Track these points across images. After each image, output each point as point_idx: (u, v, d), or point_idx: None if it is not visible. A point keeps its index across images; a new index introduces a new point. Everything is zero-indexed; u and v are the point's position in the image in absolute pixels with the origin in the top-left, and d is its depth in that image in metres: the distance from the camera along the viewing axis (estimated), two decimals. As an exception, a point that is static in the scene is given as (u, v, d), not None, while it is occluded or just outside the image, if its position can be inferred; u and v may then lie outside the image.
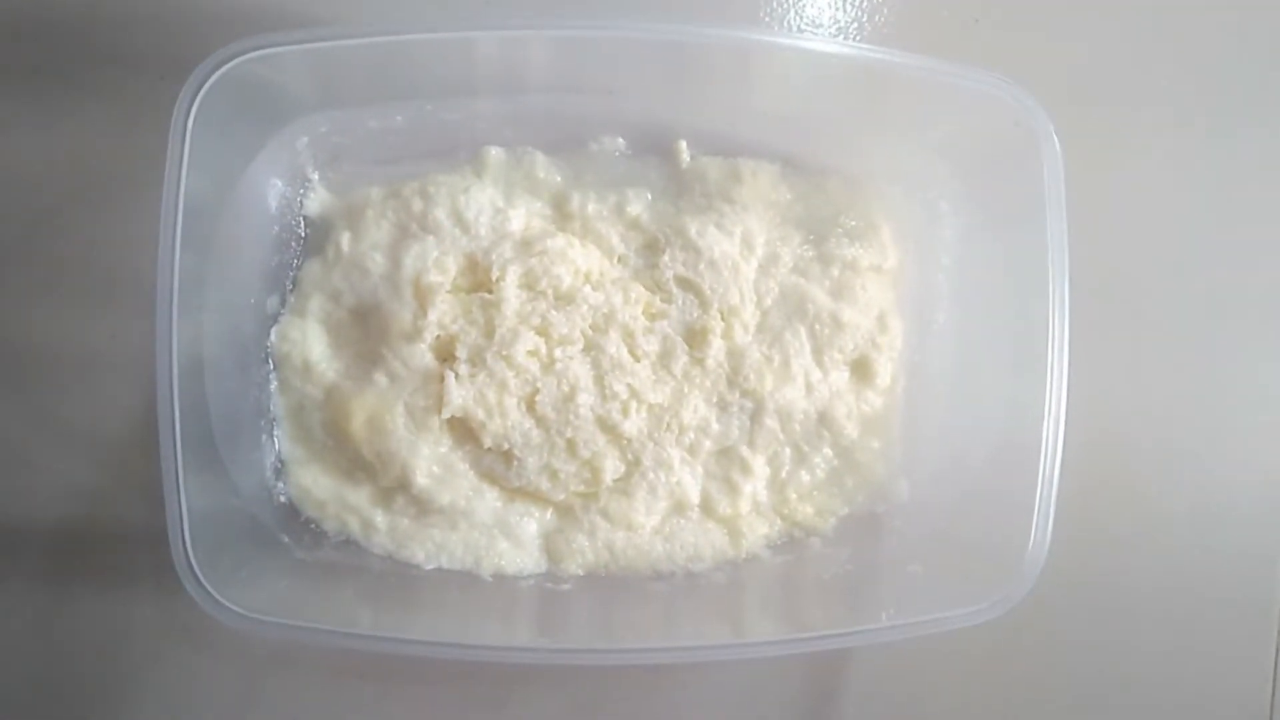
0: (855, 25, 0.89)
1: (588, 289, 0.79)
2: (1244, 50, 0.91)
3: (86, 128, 0.82)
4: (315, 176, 0.81)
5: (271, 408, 0.80)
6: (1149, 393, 0.90)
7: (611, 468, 0.80)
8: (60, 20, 0.82)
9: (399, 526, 0.80)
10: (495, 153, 0.81)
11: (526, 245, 0.79)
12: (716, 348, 0.80)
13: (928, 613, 0.73)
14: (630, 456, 0.80)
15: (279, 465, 0.81)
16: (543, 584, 0.81)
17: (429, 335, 0.78)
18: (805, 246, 0.83)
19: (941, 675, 0.89)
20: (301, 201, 0.81)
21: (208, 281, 0.71)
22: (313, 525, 0.81)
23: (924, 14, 0.89)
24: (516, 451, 0.78)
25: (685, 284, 0.81)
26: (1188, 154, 0.91)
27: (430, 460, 0.79)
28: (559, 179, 0.82)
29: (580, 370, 0.79)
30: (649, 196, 0.82)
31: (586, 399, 0.79)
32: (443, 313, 0.78)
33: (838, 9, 0.89)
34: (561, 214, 0.81)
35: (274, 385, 0.80)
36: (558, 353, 0.78)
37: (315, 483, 0.80)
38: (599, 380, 0.79)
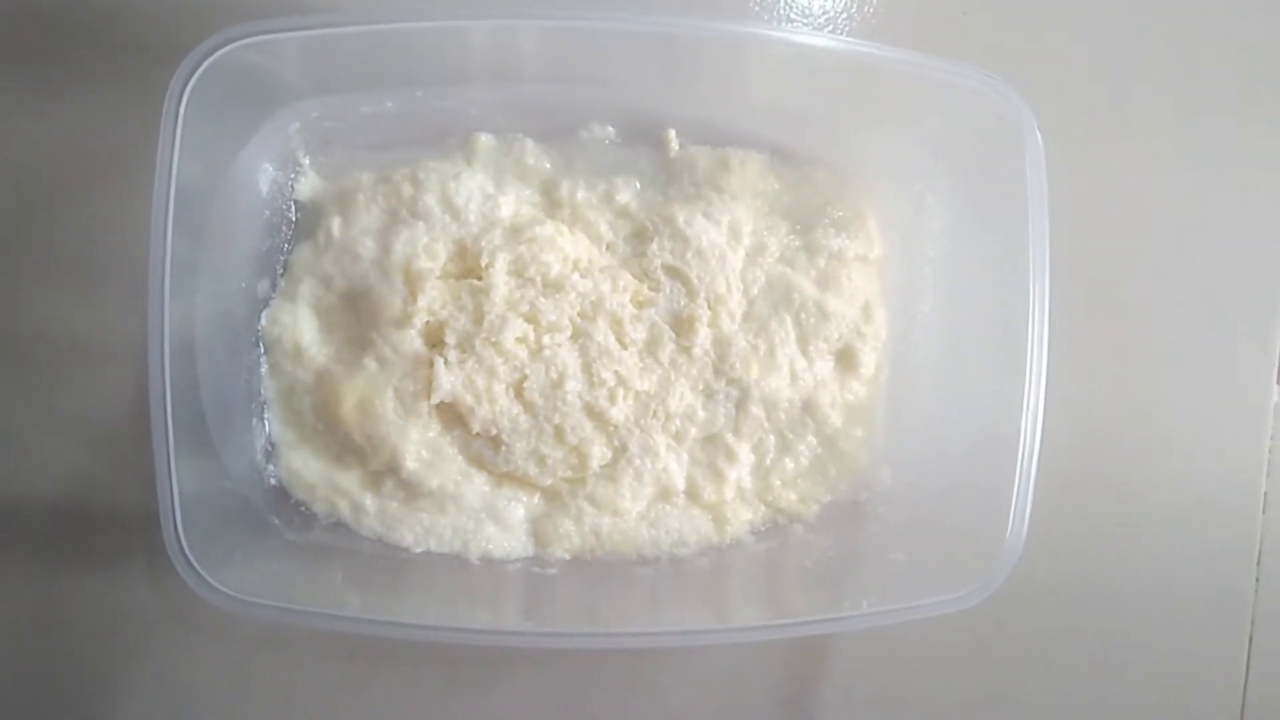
0: (845, 16, 0.89)
1: (576, 276, 0.80)
2: (1231, 48, 0.92)
3: (78, 113, 0.82)
4: (306, 161, 0.81)
5: (262, 391, 0.81)
6: (1130, 386, 0.91)
7: (598, 454, 0.80)
8: (51, 5, 0.82)
9: (388, 510, 0.81)
10: (486, 139, 0.81)
11: (516, 232, 0.79)
12: (703, 336, 0.81)
13: (909, 599, 0.73)
14: (617, 443, 0.81)
15: (269, 448, 0.81)
16: (529, 568, 0.82)
17: (418, 321, 0.78)
18: (792, 236, 0.83)
19: (922, 661, 0.90)
20: (293, 186, 0.81)
21: (199, 266, 0.71)
22: (303, 508, 0.81)
23: (915, 6, 0.90)
24: (505, 437, 0.79)
25: (673, 272, 0.81)
26: (1172, 149, 0.91)
27: (419, 445, 0.79)
28: (549, 166, 0.82)
29: (568, 357, 0.79)
30: (638, 185, 0.82)
31: (574, 386, 0.79)
32: (432, 299, 0.78)
33: (827, 1, 0.89)
34: (551, 201, 0.82)
35: (264, 369, 0.81)
36: (546, 339, 0.79)
37: (305, 466, 0.81)
38: (586, 367, 0.80)
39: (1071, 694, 0.92)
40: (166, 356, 0.66)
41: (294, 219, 0.82)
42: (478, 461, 0.81)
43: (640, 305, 0.81)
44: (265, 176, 0.79)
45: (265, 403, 0.81)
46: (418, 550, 0.81)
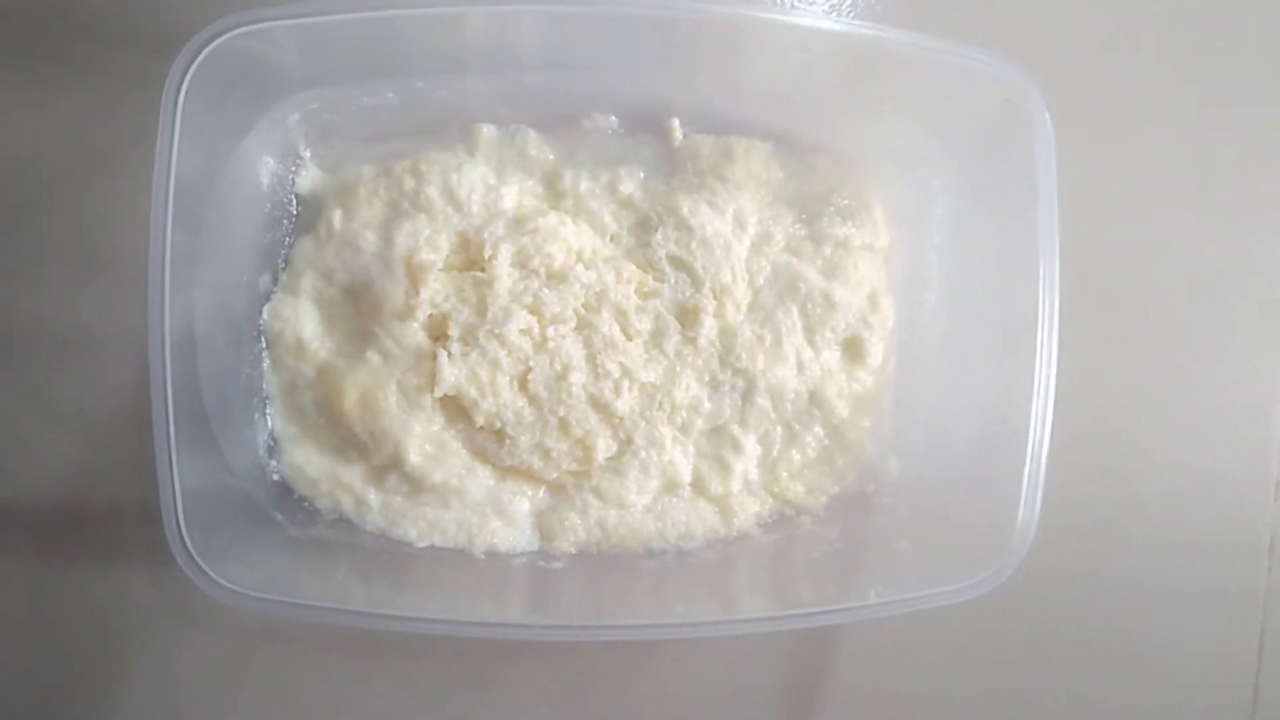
0: (850, 1, 0.88)
1: (580, 267, 0.79)
2: (1240, 33, 0.91)
3: (76, 104, 0.82)
4: (307, 154, 0.81)
5: (264, 386, 0.80)
6: (1137, 375, 0.90)
7: (604, 446, 0.80)
8: (48, -3, 0.82)
9: (392, 504, 0.81)
10: (487, 130, 0.81)
11: (519, 223, 0.79)
12: (709, 326, 0.80)
13: (916, 590, 0.73)
14: (622, 435, 0.80)
15: (272, 443, 0.81)
16: (535, 562, 0.81)
17: (421, 314, 0.78)
18: (797, 225, 0.83)
19: (929, 652, 0.90)
20: (293, 179, 0.81)
21: (199, 259, 0.70)
22: (305, 503, 0.81)
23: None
24: (509, 430, 0.79)
25: (677, 263, 0.81)
26: (1182, 135, 0.91)
27: (423, 439, 0.79)
28: (551, 157, 0.82)
29: (573, 349, 0.79)
30: (641, 175, 0.82)
31: (579, 378, 0.79)
32: (435, 291, 0.78)
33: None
34: (554, 192, 0.81)
35: (266, 363, 0.80)
36: (550, 331, 0.78)
37: (308, 460, 0.80)
38: (591, 359, 0.79)
39: (1081, 685, 0.91)
40: (167, 351, 0.66)
41: (295, 212, 0.81)
42: (482, 455, 0.81)
43: (645, 296, 0.81)
44: (265, 169, 0.79)
45: (267, 397, 0.81)
46: (422, 545, 0.80)
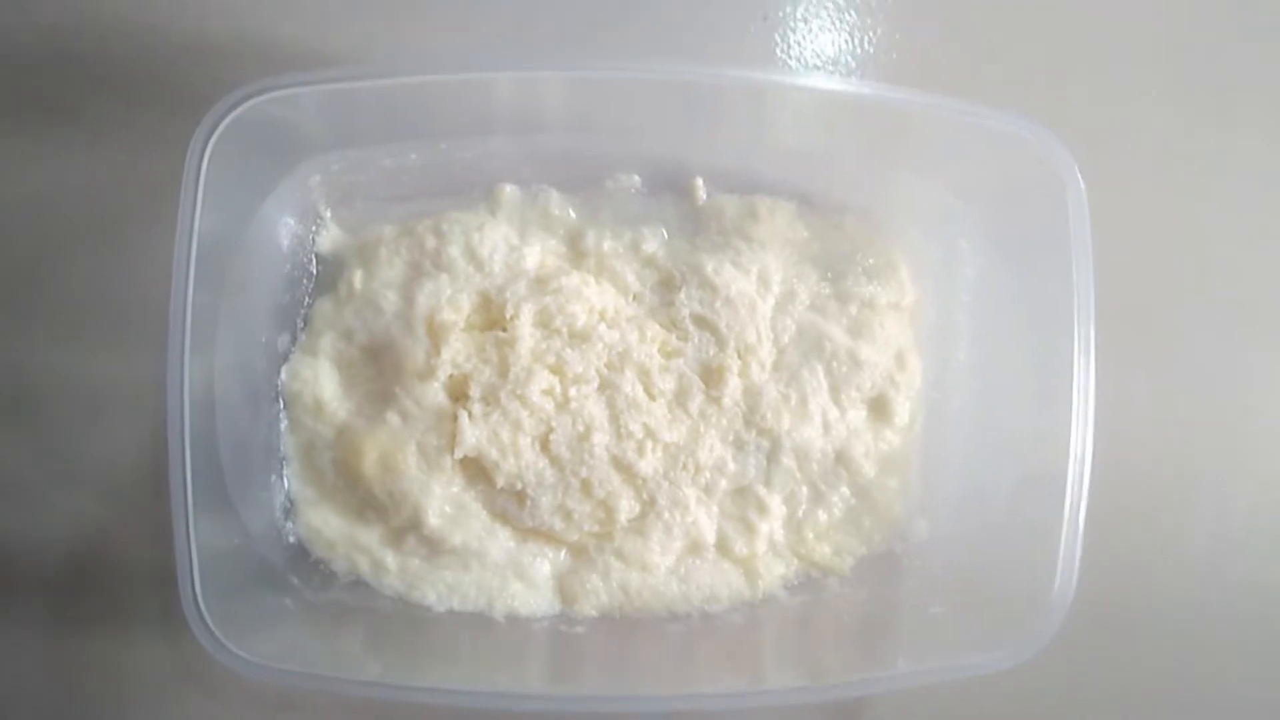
0: (872, 61, 0.88)
1: (603, 327, 0.79)
2: (1266, 85, 0.91)
3: (98, 163, 0.82)
4: (328, 214, 0.81)
5: (281, 447, 0.80)
6: (1173, 423, 0.89)
7: (626, 507, 0.78)
8: (73, 55, 0.83)
9: (410, 567, 0.79)
10: (510, 190, 0.81)
11: (541, 283, 0.78)
12: (733, 386, 0.79)
13: (949, 657, 0.71)
14: (645, 496, 0.79)
15: (288, 505, 0.80)
16: (556, 626, 0.80)
17: (442, 374, 0.77)
18: (823, 284, 0.82)
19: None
20: (314, 239, 0.81)
21: (219, 318, 0.70)
22: (322, 566, 0.80)
23: (940, 50, 0.89)
24: (530, 491, 0.77)
25: (701, 322, 0.80)
26: (1208, 181, 0.90)
27: (442, 500, 0.78)
28: (574, 216, 0.82)
29: (595, 409, 0.78)
30: (664, 234, 0.81)
31: (601, 438, 0.78)
32: (456, 351, 0.77)
33: (853, 45, 0.88)
34: (576, 252, 0.81)
35: (284, 424, 0.80)
36: (572, 391, 0.78)
37: (325, 523, 0.79)
38: (614, 419, 0.78)
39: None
40: (186, 410, 0.66)
41: (315, 272, 0.81)
42: (502, 517, 0.79)
43: (668, 355, 0.80)
44: (286, 229, 0.79)
45: (285, 458, 0.80)
46: (440, 609, 0.79)
